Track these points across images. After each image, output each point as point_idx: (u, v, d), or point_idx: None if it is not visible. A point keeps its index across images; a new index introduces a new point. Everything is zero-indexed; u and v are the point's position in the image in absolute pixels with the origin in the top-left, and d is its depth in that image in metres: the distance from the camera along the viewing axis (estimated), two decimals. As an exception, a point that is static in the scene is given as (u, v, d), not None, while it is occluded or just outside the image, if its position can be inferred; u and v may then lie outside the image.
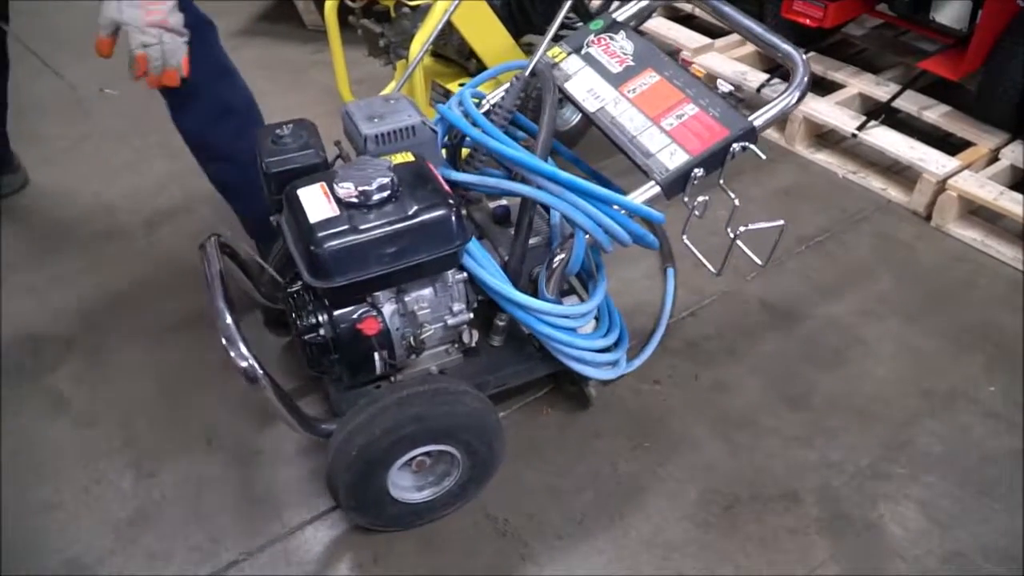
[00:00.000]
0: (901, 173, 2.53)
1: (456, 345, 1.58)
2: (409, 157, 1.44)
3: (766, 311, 2.08)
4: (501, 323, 1.61)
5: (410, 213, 1.32)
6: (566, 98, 1.61)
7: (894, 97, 2.57)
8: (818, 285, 2.16)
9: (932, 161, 2.34)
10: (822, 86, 2.78)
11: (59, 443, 1.72)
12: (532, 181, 1.41)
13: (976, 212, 2.35)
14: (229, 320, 1.38)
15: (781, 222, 1.35)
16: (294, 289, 1.47)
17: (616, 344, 1.60)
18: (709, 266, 1.46)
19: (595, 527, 1.59)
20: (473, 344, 1.54)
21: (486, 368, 1.60)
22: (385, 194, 1.33)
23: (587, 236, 1.39)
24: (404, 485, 1.50)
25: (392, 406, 1.38)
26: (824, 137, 2.69)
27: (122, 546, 1.54)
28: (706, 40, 3.01)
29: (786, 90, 1.41)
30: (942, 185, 2.30)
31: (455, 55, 2.67)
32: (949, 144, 2.47)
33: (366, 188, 1.31)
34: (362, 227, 1.30)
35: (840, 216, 2.41)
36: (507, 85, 1.69)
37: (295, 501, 1.62)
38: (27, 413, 1.78)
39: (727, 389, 1.87)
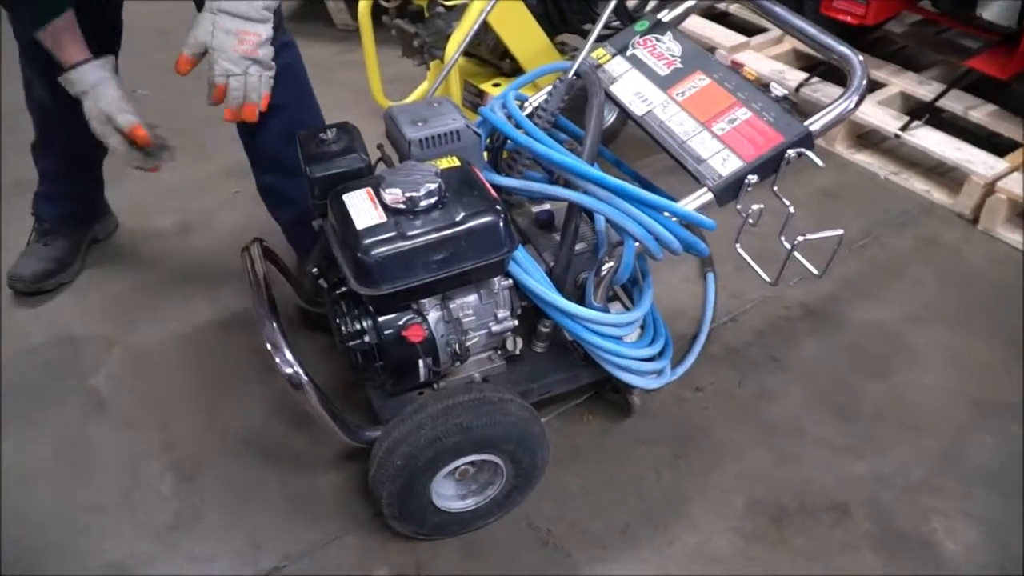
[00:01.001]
0: (945, 175, 2.48)
1: (499, 352, 1.56)
2: (455, 162, 1.42)
3: (809, 316, 2.04)
4: (545, 329, 1.58)
5: (457, 219, 1.30)
6: (612, 101, 1.58)
7: (940, 96, 2.52)
8: (861, 290, 2.11)
9: (980, 163, 2.29)
10: (863, 85, 2.72)
11: (100, 445, 1.72)
12: (579, 186, 1.39)
13: (1024, 215, 2.30)
14: (274, 326, 1.37)
15: (840, 231, 1.31)
16: (338, 294, 1.45)
17: (661, 353, 1.57)
18: (764, 276, 1.42)
19: (639, 537, 1.56)
20: (517, 352, 1.51)
21: (530, 375, 1.58)
22: (432, 200, 1.31)
23: (636, 244, 1.36)
24: (447, 494, 1.48)
25: (437, 416, 1.36)
26: (865, 137, 2.64)
27: (163, 550, 1.54)
28: (742, 38, 2.96)
29: (843, 94, 1.37)
30: (991, 187, 2.25)
31: (489, 55, 2.65)
32: (993, 145, 2.41)
33: (413, 194, 1.29)
34: (409, 234, 1.27)
35: (883, 218, 2.36)
36: (550, 87, 1.67)
37: (336, 506, 1.60)
38: (68, 413, 1.78)
39: (771, 397, 1.83)
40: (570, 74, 1.60)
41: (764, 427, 1.76)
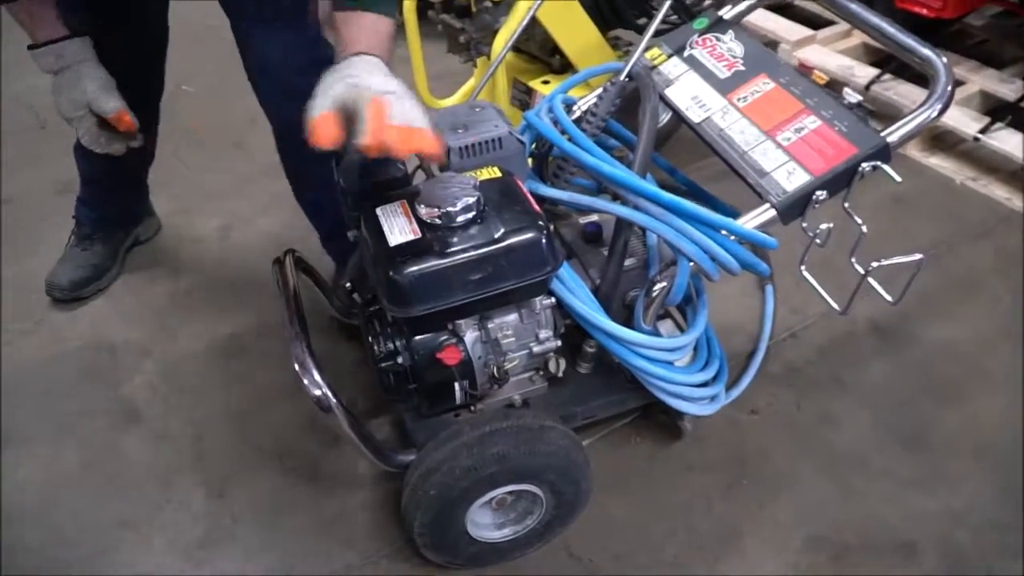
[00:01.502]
0: (1028, 180, 2.30)
1: (541, 373, 1.47)
2: (496, 172, 1.33)
3: (874, 334, 1.91)
4: (590, 350, 1.49)
5: (497, 236, 1.21)
6: (667, 106, 1.47)
7: None
8: (934, 306, 1.97)
9: (1067, 168, 2.11)
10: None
11: (131, 456, 1.68)
12: (629, 200, 1.29)
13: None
14: (303, 345, 1.30)
15: (920, 256, 1.19)
16: (371, 311, 1.38)
17: (715, 377, 1.46)
18: (834, 304, 1.31)
19: (689, 573, 1.46)
20: (560, 374, 1.42)
21: (573, 398, 1.48)
22: (470, 215, 1.22)
23: (691, 263, 1.26)
24: (483, 523, 1.41)
25: (473, 444, 1.28)
26: (940, 139, 2.46)
27: (192, 568, 1.49)
28: (807, 31, 2.80)
29: (925, 102, 1.24)
30: (1079, 196, 2.08)
31: (538, 51, 2.55)
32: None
33: (450, 209, 1.21)
34: (445, 252, 1.19)
35: (957, 228, 2.20)
36: (600, 90, 1.57)
37: (370, 529, 1.54)
38: (100, 422, 1.75)
39: (833, 422, 1.71)
40: (622, 76, 1.50)
41: (825, 456, 1.64)
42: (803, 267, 1.33)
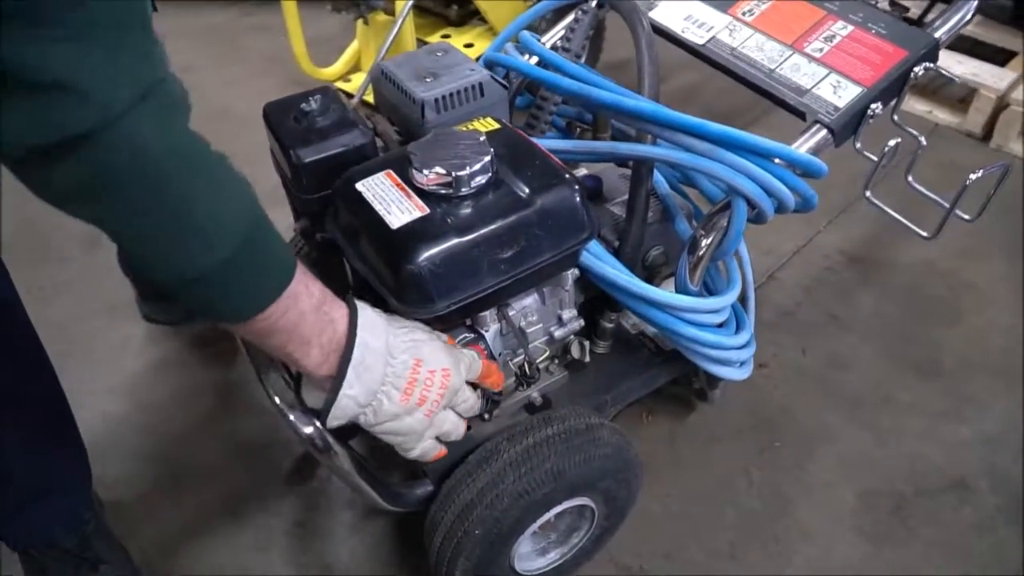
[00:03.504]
0: (937, 92, 2.28)
1: (556, 361, 1.23)
2: (493, 123, 1.07)
3: (853, 264, 1.81)
4: (609, 325, 1.27)
5: (525, 199, 0.95)
6: (658, 32, 1.26)
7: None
8: (896, 227, 1.88)
9: (988, 76, 2.10)
10: None
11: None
12: (659, 138, 1.06)
13: None
14: (280, 373, 1.00)
15: (1004, 163, 1.05)
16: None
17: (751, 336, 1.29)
18: (920, 232, 1.15)
19: (750, 558, 1.29)
20: (587, 358, 1.19)
21: (599, 385, 1.26)
22: (486, 177, 0.95)
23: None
24: (525, 553, 1.16)
25: (519, 461, 1.03)
26: None
27: None
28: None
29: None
30: (1003, 102, 2.07)
31: (432, 2, 2.27)
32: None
33: (460, 173, 0.94)
34: (467, 227, 0.92)
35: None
36: (568, 22, 1.34)
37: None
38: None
39: (843, 363, 1.59)
40: (593, 2, 1.27)
41: (847, 400, 1.52)
42: (868, 193, 1.17)
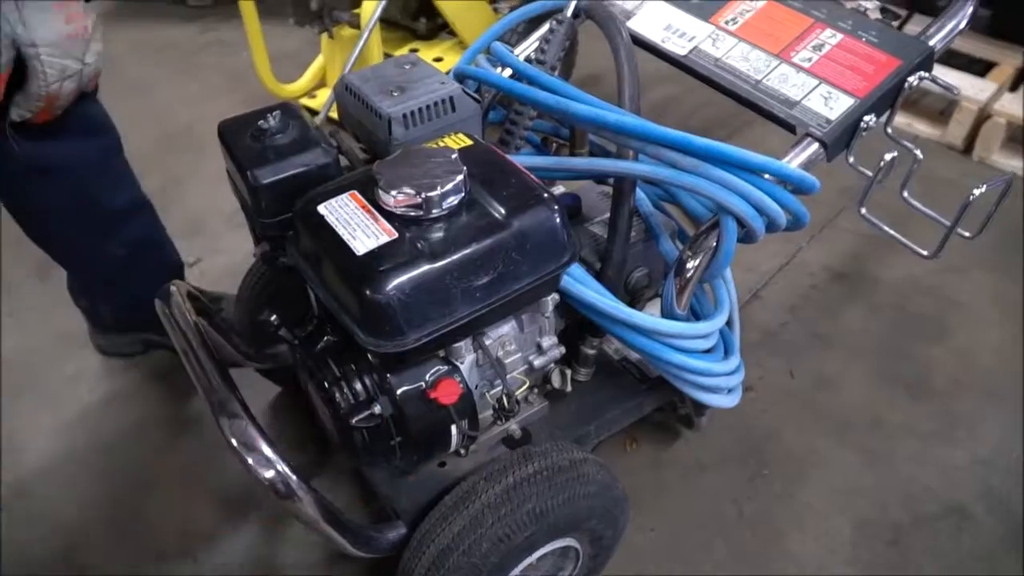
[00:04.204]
0: (917, 103, 2.26)
1: (535, 390, 1.16)
2: (465, 140, 1.00)
3: (837, 281, 1.76)
4: (591, 351, 1.20)
5: (501, 220, 0.88)
6: (637, 43, 1.20)
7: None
8: (880, 243, 1.85)
9: (969, 87, 2.08)
10: None
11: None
12: (644, 153, 1.00)
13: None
14: (240, 409, 0.91)
15: (1007, 178, 1.00)
16: (320, 351, 1.00)
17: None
18: (919, 251, 1.10)
19: (742, 596, 1.22)
20: (568, 388, 1.12)
21: (581, 415, 1.19)
22: (458, 197, 0.88)
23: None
24: (506, 597, 1.08)
25: (497, 503, 0.95)
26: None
27: None
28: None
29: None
30: (984, 113, 2.05)
31: (400, 16, 2.21)
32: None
33: (431, 194, 0.86)
34: (439, 252, 0.85)
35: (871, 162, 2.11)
36: (542, 32, 1.28)
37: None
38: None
39: (831, 384, 1.54)
40: (568, 12, 1.21)
41: (836, 423, 1.46)
42: (863, 209, 1.11)
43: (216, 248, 1.85)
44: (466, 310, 0.88)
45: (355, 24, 1.96)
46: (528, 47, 1.30)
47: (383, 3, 1.73)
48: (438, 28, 2.20)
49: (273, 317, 1.05)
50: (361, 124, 1.08)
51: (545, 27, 1.26)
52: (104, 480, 1.39)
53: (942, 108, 2.20)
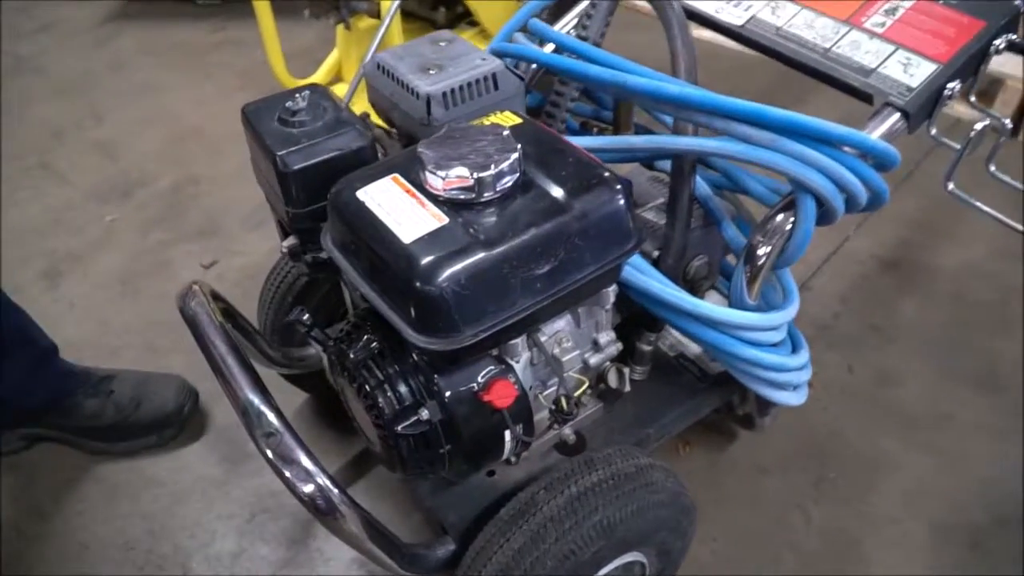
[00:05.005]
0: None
1: (590, 391, 1.07)
2: (514, 118, 0.91)
3: (890, 270, 1.67)
4: (647, 348, 1.11)
5: (562, 202, 0.79)
6: (689, 16, 1.11)
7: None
8: (931, 229, 1.76)
9: (1016, 64, 1.98)
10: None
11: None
12: (710, 128, 0.91)
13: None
14: (281, 422, 0.83)
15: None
16: (359, 350, 0.91)
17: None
18: (1017, 226, 1.01)
19: (817, 611, 1.13)
20: (627, 387, 1.03)
21: (639, 418, 1.10)
22: (514, 178, 0.80)
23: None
24: (566, 619, 0.99)
25: (562, 516, 0.86)
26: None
27: None
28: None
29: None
30: (1036, 90, 1.95)
31: (418, 7, 2.13)
32: None
33: (484, 174, 0.78)
34: (495, 239, 0.76)
35: (919, 144, 2.02)
36: (582, 8, 1.19)
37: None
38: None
39: (894, 379, 1.44)
40: (611, -15, 1.13)
41: (903, 421, 1.37)
42: (951, 184, 1.02)
43: (233, 249, 1.77)
44: (525, 302, 0.79)
45: (373, 13, 1.88)
46: (566, 25, 1.22)
47: (404, -11, 1.65)
48: (457, 18, 2.12)
49: (306, 316, 0.96)
50: (395, 105, 1.00)
51: (585, 2, 1.18)
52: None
53: (984, 88, 2.10)
